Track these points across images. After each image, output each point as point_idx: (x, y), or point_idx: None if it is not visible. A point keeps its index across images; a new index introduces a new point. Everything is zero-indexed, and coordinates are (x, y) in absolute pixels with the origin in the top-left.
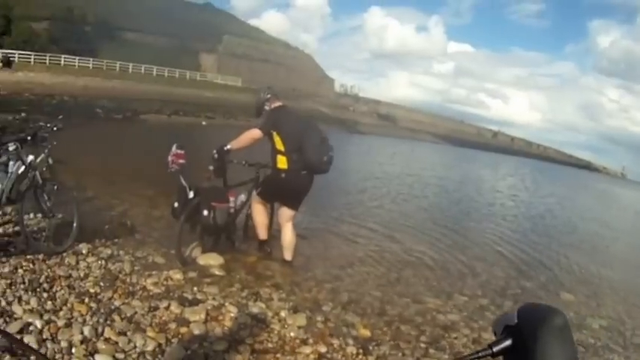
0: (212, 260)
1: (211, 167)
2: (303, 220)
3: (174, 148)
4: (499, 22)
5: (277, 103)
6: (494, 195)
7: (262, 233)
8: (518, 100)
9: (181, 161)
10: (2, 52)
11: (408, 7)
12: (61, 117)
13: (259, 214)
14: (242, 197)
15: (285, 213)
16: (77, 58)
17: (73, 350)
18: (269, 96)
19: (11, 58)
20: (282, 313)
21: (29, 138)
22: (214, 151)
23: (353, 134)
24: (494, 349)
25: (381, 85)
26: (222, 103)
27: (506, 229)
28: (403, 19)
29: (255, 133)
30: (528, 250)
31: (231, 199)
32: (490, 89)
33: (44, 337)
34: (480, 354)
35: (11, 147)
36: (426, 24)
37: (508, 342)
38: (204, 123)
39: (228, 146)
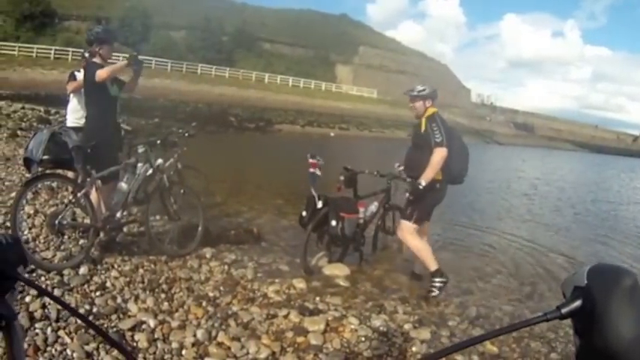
0: (337, 271)
1: (342, 178)
2: (433, 230)
3: (308, 156)
4: (635, 22)
5: (434, 108)
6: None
7: (433, 263)
8: None
9: (312, 170)
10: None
11: (543, 12)
12: (194, 124)
13: (422, 243)
14: (372, 208)
15: (424, 225)
16: (214, 67)
17: (184, 352)
18: (427, 92)
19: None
20: (406, 327)
21: (158, 142)
22: (410, 186)
23: (489, 144)
24: (563, 311)
25: (518, 94)
26: (357, 114)
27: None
28: (538, 25)
29: (444, 152)
30: None
31: (361, 209)
32: (630, 92)
33: (155, 336)
34: (549, 316)
35: (140, 149)
36: (561, 29)
37: (577, 303)
38: (332, 134)
39: (423, 183)
